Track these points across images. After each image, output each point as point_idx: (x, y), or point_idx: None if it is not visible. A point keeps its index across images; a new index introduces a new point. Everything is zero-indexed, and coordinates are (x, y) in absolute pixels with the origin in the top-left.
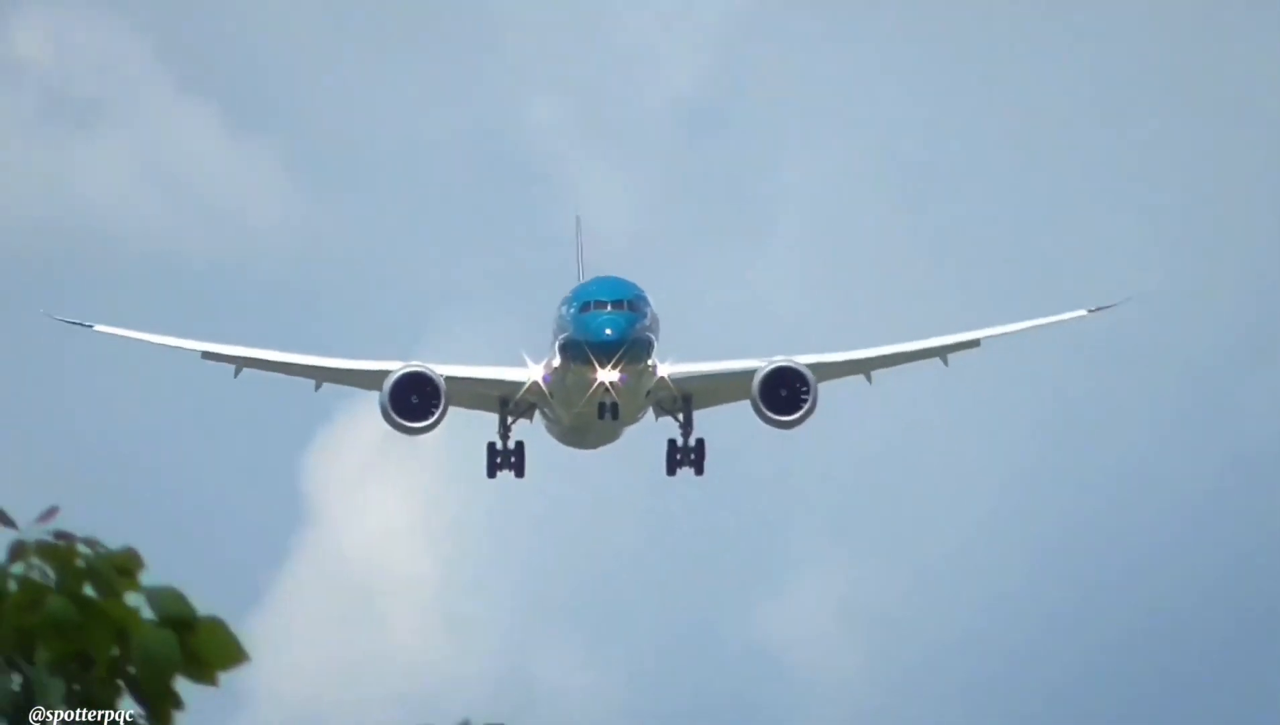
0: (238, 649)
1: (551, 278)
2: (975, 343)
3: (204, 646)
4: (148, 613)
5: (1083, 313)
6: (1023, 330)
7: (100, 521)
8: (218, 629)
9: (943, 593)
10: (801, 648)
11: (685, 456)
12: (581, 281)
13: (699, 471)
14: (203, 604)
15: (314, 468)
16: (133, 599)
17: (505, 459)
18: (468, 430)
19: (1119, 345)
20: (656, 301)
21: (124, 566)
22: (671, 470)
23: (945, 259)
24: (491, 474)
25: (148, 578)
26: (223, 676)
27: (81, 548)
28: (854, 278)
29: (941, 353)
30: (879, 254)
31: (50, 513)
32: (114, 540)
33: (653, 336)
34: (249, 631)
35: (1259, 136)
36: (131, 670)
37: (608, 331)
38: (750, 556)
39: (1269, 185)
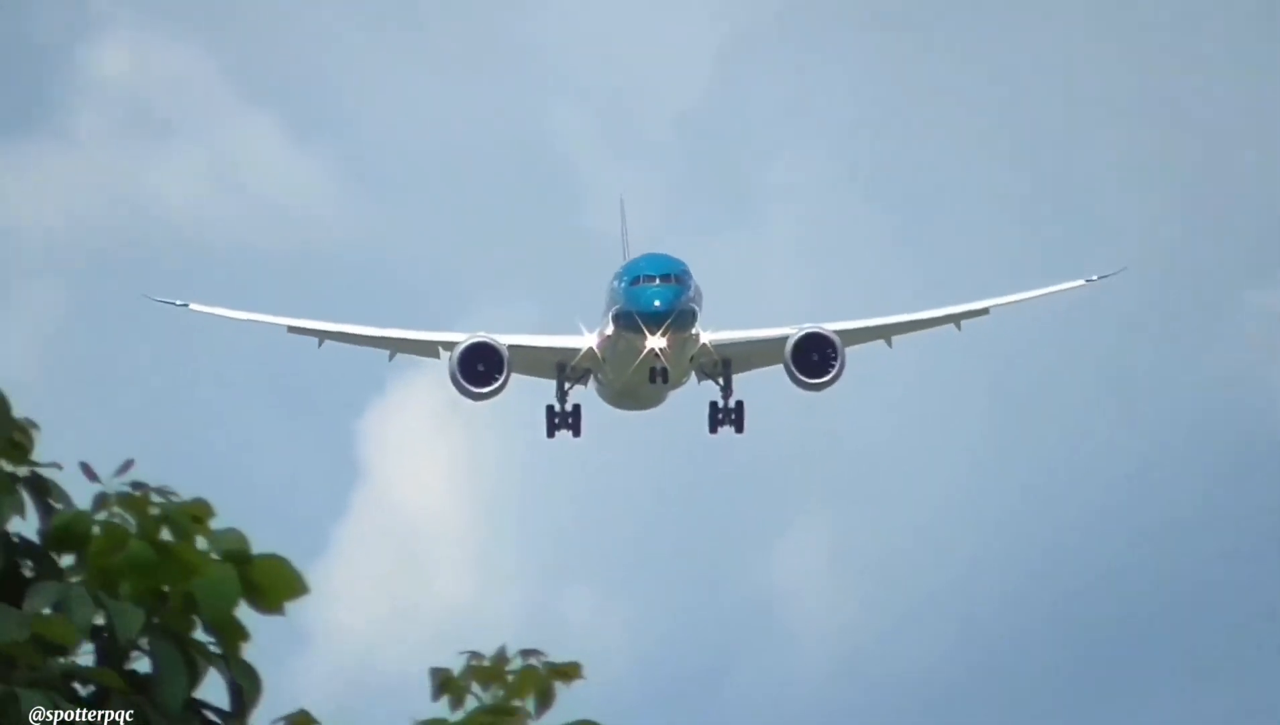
0: (298, 582)
1: (591, 257)
2: (985, 311)
3: (264, 579)
4: (216, 555)
5: (1081, 283)
6: (1027, 299)
7: (199, 477)
8: (278, 564)
9: (969, 536)
10: (829, 588)
11: (726, 416)
12: (628, 258)
13: (739, 430)
14: (282, 546)
15: (389, 430)
16: (203, 544)
17: (563, 420)
18: (528, 395)
19: (1114, 311)
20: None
21: (196, 514)
22: (713, 429)
23: (956, 237)
24: (551, 434)
25: (223, 525)
26: (288, 607)
27: (155, 497)
28: (875, 253)
29: (955, 320)
30: (897, 232)
31: (126, 466)
32: (215, 495)
33: (696, 307)
34: (332, 573)
35: (1248, 118)
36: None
37: (656, 303)
38: (785, 506)
39: (1256, 162)
